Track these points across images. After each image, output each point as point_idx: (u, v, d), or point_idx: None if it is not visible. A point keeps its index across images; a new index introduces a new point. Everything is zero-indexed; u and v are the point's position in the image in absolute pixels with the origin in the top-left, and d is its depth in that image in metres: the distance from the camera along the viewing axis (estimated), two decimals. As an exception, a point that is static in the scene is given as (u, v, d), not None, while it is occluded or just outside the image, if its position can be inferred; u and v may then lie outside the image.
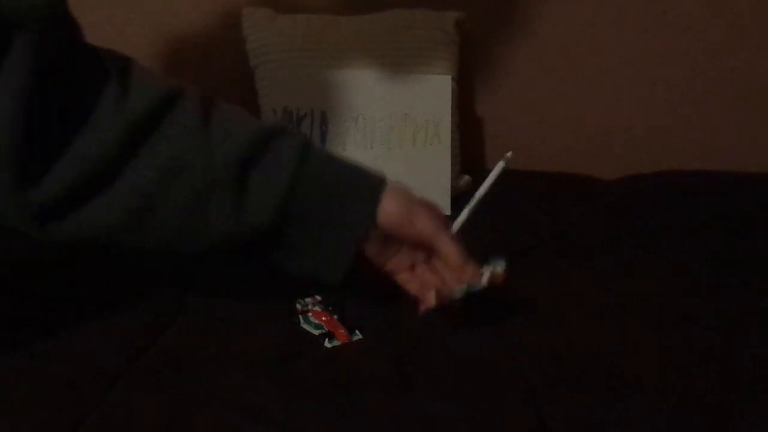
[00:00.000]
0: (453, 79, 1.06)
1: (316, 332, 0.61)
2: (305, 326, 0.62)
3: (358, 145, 1.01)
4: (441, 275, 0.63)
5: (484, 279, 0.59)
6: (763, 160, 1.24)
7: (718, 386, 0.54)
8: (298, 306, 0.65)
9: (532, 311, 0.67)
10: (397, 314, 0.65)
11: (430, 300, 0.59)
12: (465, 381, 0.55)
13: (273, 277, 0.70)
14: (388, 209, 0.60)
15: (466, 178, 1.11)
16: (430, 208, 0.63)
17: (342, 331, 0.61)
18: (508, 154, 0.68)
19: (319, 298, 0.66)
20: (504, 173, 0.70)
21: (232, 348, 0.59)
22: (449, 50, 1.09)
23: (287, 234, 0.60)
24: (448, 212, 0.99)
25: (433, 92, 1.02)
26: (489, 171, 1.29)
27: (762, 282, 0.75)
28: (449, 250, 0.61)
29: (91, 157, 0.53)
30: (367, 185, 0.61)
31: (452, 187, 1.02)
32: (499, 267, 0.60)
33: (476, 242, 0.87)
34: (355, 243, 0.60)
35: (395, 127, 1.01)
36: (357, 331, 0.62)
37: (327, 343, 0.60)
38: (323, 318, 0.63)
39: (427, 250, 0.63)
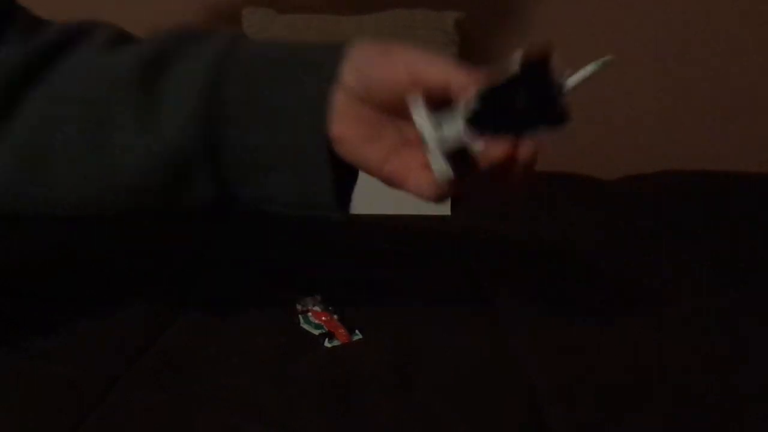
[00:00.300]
0: (453, 79, 1.06)
1: (316, 332, 0.61)
2: (305, 326, 0.62)
3: (358, 145, 1.01)
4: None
5: (515, 60, 0.40)
6: (763, 160, 1.25)
7: (719, 387, 0.54)
8: (298, 306, 0.65)
9: (532, 311, 0.67)
10: (397, 314, 0.65)
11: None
12: (465, 381, 0.55)
13: (273, 277, 0.70)
14: (354, 59, 0.44)
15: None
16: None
17: (342, 331, 0.61)
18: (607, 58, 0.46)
19: (319, 298, 0.66)
20: None
21: (232, 348, 0.59)
22: (449, 50, 1.09)
23: (233, 143, 0.45)
24: (448, 212, 1.00)
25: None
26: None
27: (762, 282, 0.75)
28: (445, 70, 0.42)
29: None
30: (321, 52, 0.45)
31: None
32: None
33: (476, 243, 0.88)
34: (324, 123, 0.44)
35: (395, 127, 1.01)
36: (357, 331, 0.62)
37: (327, 343, 0.60)
38: (323, 318, 0.63)
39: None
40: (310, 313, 0.63)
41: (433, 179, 0.42)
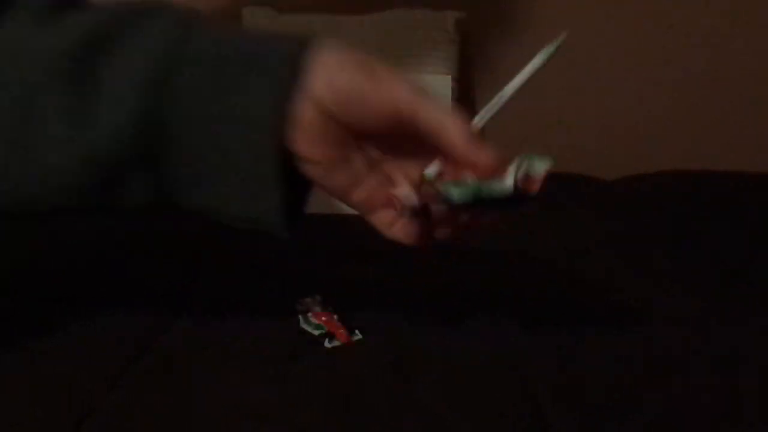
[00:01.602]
0: (453, 79, 1.06)
1: (316, 332, 0.61)
2: (305, 326, 0.62)
3: (358, 145, 1.01)
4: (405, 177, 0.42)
5: (509, 180, 0.38)
6: (763, 160, 1.25)
7: (720, 388, 0.54)
8: (298, 306, 0.65)
9: (532, 311, 0.67)
10: (397, 314, 0.65)
11: (396, 202, 0.40)
12: (465, 381, 0.55)
13: (273, 277, 0.70)
14: (331, 73, 0.38)
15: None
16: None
17: (342, 331, 0.61)
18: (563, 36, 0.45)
19: (319, 298, 0.66)
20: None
21: (232, 348, 0.59)
22: (449, 50, 1.09)
23: (175, 150, 0.40)
24: (448, 212, 1.00)
25: (433, 92, 1.02)
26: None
27: (763, 282, 0.75)
28: (444, 121, 0.39)
29: None
30: (282, 53, 0.39)
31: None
32: (539, 165, 0.39)
33: (476, 242, 0.88)
34: (275, 137, 0.39)
35: (395, 127, 1.01)
36: (357, 331, 0.62)
37: (327, 343, 0.60)
38: (323, 318, 0.62)
39: (396, 141, 0.42)
40: (310, 314, 0.63)
41: (401, 229, 0.42)
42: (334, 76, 0.38)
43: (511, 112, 1.36)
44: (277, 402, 0.51)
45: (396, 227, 0.43)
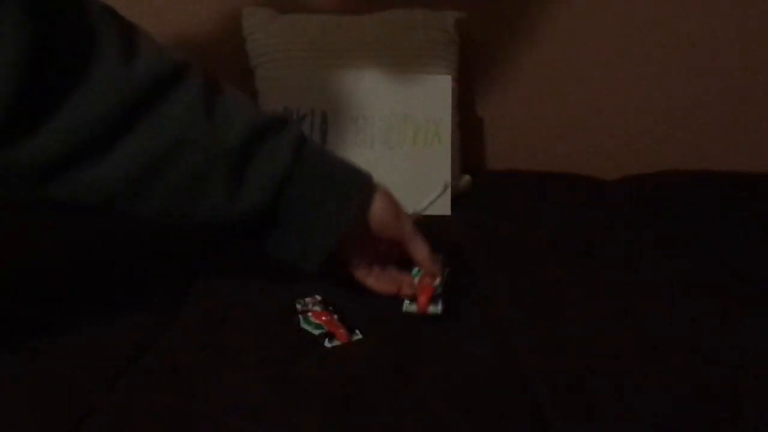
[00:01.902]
0: (453, 79, 1.06)
1: (316, 332, 0.61)
2: (305, 326, 0.62)
3: (358, 145, 1.01)
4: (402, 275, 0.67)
5: (447, 273, 0.65)
6: (763, 160, 1.24)
7: (722, 387, 0.54)
8: (298, 306, 0.65)
9: (532, 311, 0.67)
10: (397, 314, 0.65)
11: (425, 299, 0.63)
12: (465, 381, 0.55)
13: (273, 277, 0.70)
14: (381, 208, 0.63)
15: (466, 178, 1.11)
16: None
17: (342, 331, 0.61)
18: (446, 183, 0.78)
19: (319, 298, 0.66)
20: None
21: (232, 348, 0.59)
22: (449, 50, 1.09)
23: (275, 220, 0.62)
24: (448, 212, 1.00)
25: (433, 92, 1.02)
26: (489, 171, 1.30)
27: (763, 282, 0.75)
28: (424, 251, 0.65)
29: (91, 121, 0.52)
30: (358, 183, 0.63)
31: (452, 187, 1.02)
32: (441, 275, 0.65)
33: (477, 242, 0.88)
34: (338, 237, 0.62)
35: (395, 127, 1.01)
36: (357, 331, 0.62)
37: (327, 343, 0.60)
38: (323, 318, 0.62)
39: (388, 254, 0.67)
40: (310, 313, 0.63)
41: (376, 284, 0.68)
42: (382, 213, 0.64)
43: (511, 113, 1.37)
44: (277, 402, 0.51)
45: (371, 280, 0.67)
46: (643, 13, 1.22)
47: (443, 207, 1.00)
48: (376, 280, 0.67)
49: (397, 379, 0.54)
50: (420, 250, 0.65)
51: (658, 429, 0.49)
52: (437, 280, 0.63)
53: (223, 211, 0.59)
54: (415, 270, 0.65)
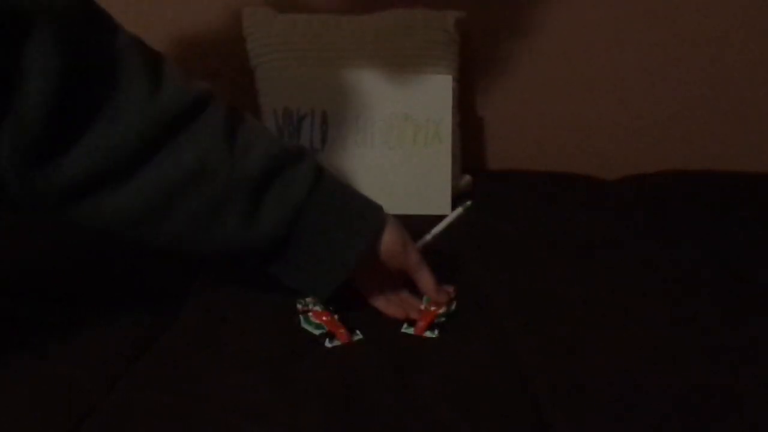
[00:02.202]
0: (453, 79, 1.06)
1: (317, 332, 0.61)
2: (305, 326, 0.62)
3: (358, 145, 1.01)
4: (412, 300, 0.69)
5: (453, 305, 0.67)
6: (763, 160, 1.24)
7: (721, 386, 0.54)
8: (299, 306, 0.65)
9: (533, 311, 0.67)
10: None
11: (424, 324, 0.63)
12: (465, 381, 0.55)
13: (273, 277, 0.70)
14: (390, 239, 0.64)
15: (467, 178, 1.11)
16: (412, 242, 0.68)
17: (342, 331, 0.61)
18: (468, 203, 0.75)
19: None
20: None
21: (233, 348, 0.59)
22: (449, 50, 1.09)
23: (290, 249, 0.63)
24: (448, 212, 1.00)
25: (433, 92, 1.02)
26: (489, 171, 1.30)
27: (763, 281, 0.75)
28: (430, 282, 0.67)
29: (115, 147, 0.54)
30: (370, 216, 0.65)
31: (452, 187, 1.02)
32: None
33: (477, 243, 0.88)
34: (351, 266, 0.63)
35: (395, 127, 1.01)
36: (357, 332, 0.62)
37: (327, 343, 0.60)
38: (324, 318, 0.62)
39: (399, 278, 0.69)
40: (310, 313, 0.63)
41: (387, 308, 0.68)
42: (389, 244, 0.65)
43: (511, 113, 1.37)
44: (277, 402, 0.51)
45: (381, 303, 0.68)
46: (644, 13, 1.22)
47: (443, 207, 1.00)
48: (386, 303, 0.68)
49: (397, 379, 0.54)
50: (425, 281, 0.66)
51: (658, 429, 0.49)
52: (442, 309, 0.64)
53: (239, 239, 0.60)
54: (426, 297, 0.66)
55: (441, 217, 0.98)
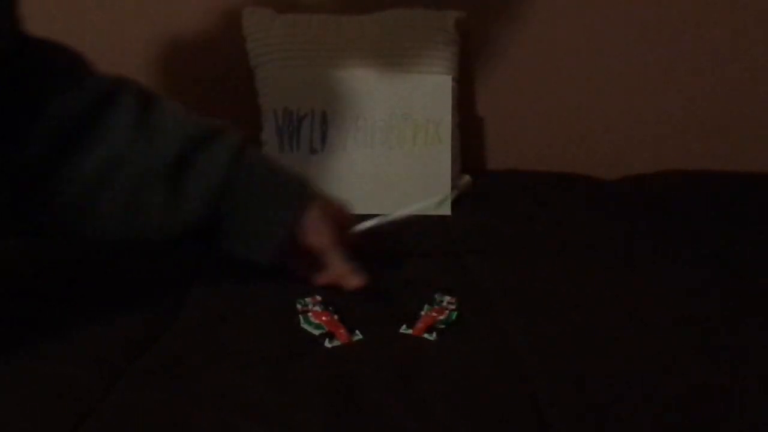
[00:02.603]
0: (453, 79, 1.06)
1: (316, 332, 0.61)
2: (305, 326, 0.62)
3: (358, 145, 1.01)
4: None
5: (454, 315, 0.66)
6: (763, 160, 1.25)
7: (721, 386, 0.54)
8: (299, 306, 0.65)
9: (533, 311, 0.67)
10: (397, 314, 0.65)
11: (423, 326, 0.63)
12: (465, 381, 0.55)
13: (273, 277, 0.70)
14: (310, 215, 0.66)
15: (466, 178, 1.11)
16: (337, 219, 0.68)
17: (342, 331, 0.61)
18: (441, 197, 0.78)
19: (319, 298, 0.66)
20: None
21: (232, 348, 0.59)
22: (449, 50, 1.09)
23: (223, 223, 0.65)
24: (448, 212, 1.00)
25: (433, 92, 1.02)
26: (489, 171, 1.30)
27: (762, 282, 0.75)
28: (336, 265, 0.67)
29: (31, 148, 0.57)
30: (295, 188, 0.67)
31: (452, 187, 1.02)
32: None
33: (477, 243, 0.88)
34: (282, 236, 0.65)
35: (395, 127, 1.01)
36: (357, 332, 0.62)
37: (327, 343, 0.60)
38: (323, 318, 0.62)
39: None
40: (310, 313, 0.63)
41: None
42: (309, 220, 0.66)
43: (511, 113, 1.37)
44: (277, 402, 0.51)
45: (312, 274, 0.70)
46: (644, 14, 1.22)
47: (443, 207, 1.00)
48: (317, 274, 0.69)
49: (397, 379, 0.54)
50: (336, 261, 0.67)
51: (658, 429, 0.49)
52: (443, 316, 0.64)
53: (166, 221, 0.62)
54: (426, 306, 0.66)
55: (441, 217, 0.99)
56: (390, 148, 1.01)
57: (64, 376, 0.54)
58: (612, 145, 1.27)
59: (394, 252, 0.83)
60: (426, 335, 0.62)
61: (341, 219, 0.70)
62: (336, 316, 0.63)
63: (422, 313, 0.65)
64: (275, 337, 0.61)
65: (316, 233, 0.66)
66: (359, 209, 0.98)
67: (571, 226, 0.94)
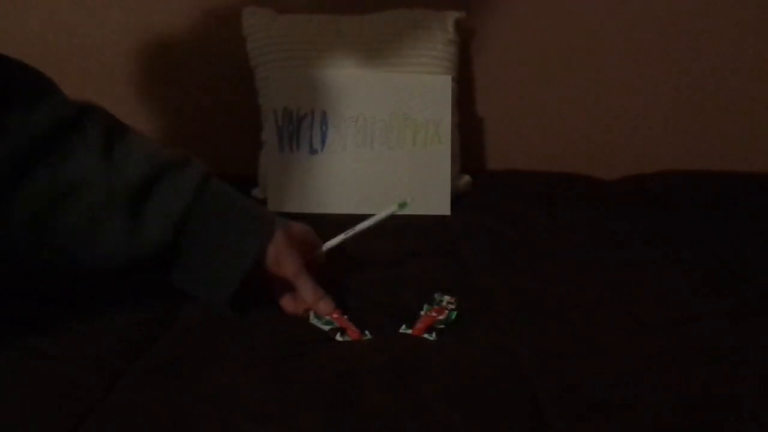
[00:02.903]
0: (453, 79, 1.06)
1: (326, 327, 0.62)
2: (314, 321, 0.63)
3: (358, 145, 1.01)
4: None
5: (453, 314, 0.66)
6: (763, 160, 1.25)
7: (720, 386, 0.54)
8: None
9: (533, 311, 0.67)
10: (397, 314, 0.65)
11: (422, 327, 0.63)
12: (465, 381, 0.55)
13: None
14: (273, 249, 0.65)
15: (466, 178, 1.11)
16: (302, 245, 0.68)
17: (353, 328, 0.62)
18: (409, 199, 0.72)
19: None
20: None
21: (233, 347, 0.59)
22: (449, 50, 1.09)
23: (182, 257, 0.63)
24: (448, 212, 1.00)
25: (433, 92, 1.02)
26: (489, 171, 1.30)
27: (762, 282, 0.75)
28: (307, 292, 0.66)
29: None
30: (257, 222, 0.65)
31: (452, 187, 1.02)
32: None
33: (477, 243, 0.88)
34: (241, 274, 0.63)
35: (395, 127, 1.01)
36: (367, 332, 0.62)
37: (338, 337, 0.61)
38: (334, 315, 0.64)
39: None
40: None
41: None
42: (273, 253, 0.65)
43: (511, 113, 1.37)
44: (277, 401, 0.51)
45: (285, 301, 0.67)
46: (644, 14, 1.22)
47: (443, 207, 1.00)
48: (294, 303, 0.67)
49: (397, 379, 0.54)
50: (303, 290, 0.66)
51: (658, 429, 0.49)
52: (443, 316, 0.64)
53: (123, 249, 0.60)
54: (426, 306, 0.66)
55: (441, 217, 0.99)
56: (390, 148, 1.01)
57: (64, 376, 0.54)
58: (612, 145, 1.27)
59: (394, 252, 0.83)
60: (426, 335, 0.62)
61: (307, 244, 0.69)
62: (345, 316, 0.64)
63: (422, 313, 0.65)
64: (275, 337, 0.61)
65: (282, 262, 0.65)
66: (359, 210, 0.99)
67: (571, 226, 0.94)
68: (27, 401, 0.51)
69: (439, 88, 1.03)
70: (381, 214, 0.72)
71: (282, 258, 0.65)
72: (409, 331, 0.62)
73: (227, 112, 1.24)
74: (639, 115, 1.26)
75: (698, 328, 0.64)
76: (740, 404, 0.52)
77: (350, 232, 0.71)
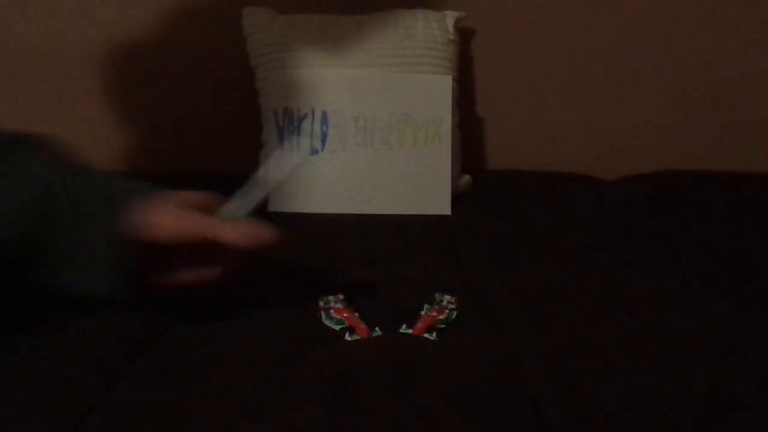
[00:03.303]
0: (453, 79, 1.06)
1: (337, 327, 0.63)
2: (326, 322, 0.64)
3: (358, 145, 1.01)
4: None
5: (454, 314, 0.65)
6: (763, 160, 1.25)
7: (721, 386, 0.54)
8: (321, 303, 0.66)
9: (532, 311, 0.67)
10: (397, 314, 0.65)
11: (423, 326, 0.62)
12: (465, 381, 0.55)
13: (274, 277, 0.70)
14: (161, 222, 0.57)
15: (466, 177, 1.11)
16: (199, 203, 0.60)
17: (362, 326, 0.62)
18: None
19: (341, 296, 0.67)
20: None
21: (233, 347, 0.59)
22: (449, 50, 1.09)
23: (42, 250, 0.58)
24: (448, 212, 1.00)
25: (433, 92, 1.02)
26: (489, 171, 1.30)
27: (762, 281, 0.75)
28: (232, 234, 0.57)
29: None
30: (127, 189, 0.59)
31: (452, 187, 1.02)
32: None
33: (477, 243, 0.88)
34: (112, 237, 0.57)
35: (395, 127, 1.01)
36: (377, 329, 0.62)
37: (348, 337, 0.61)
38: (344, 314, 0.64)
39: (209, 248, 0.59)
40: (332, 310, 0.65)
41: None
42: (161, 221, 0.58)
43: (511, 113, 1.36)
44: (277, 401, 0.51)
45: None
46: (644, 14, 1.22)
47: (443, 207, 1.00)
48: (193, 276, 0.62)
49: (397, 379, 0.54)
50: (228, 233, 0.57)
51: (658, 429, 0.49)
52: (443, 316, 0.64)
53: None
54: (426, 306, 0.66)
55: (441, 217, 0.99)
56: (390, 148, 1.01)
57: (64, 376, 0.54)
58: (612, 145, 1.27)
59: (394, 252, 0.83)
60: (426, 335, 0.62)
61: (200, 205, 0.60)
62: (357, 314, 0.64)
63: (422, 312, 0.65)
64: (275, 337, 0.61)
65: (183, 226, 0.57)
66: (359, 209, 0.99)
67: (571, 226, 0.94)
68: (27, 401, 0.51)
69: (440, 88, 1.03)
70: (277, 176, 0.64)
71: (186, 217, 0.57)
72: (410, 331, 0.62)
73: (227, 112, 1.24)
74: (639, 115, 1.26)
75: (698, 328, 0.64)
76: (741, 404, 0.52)
77: (250, 198, 0.61)
